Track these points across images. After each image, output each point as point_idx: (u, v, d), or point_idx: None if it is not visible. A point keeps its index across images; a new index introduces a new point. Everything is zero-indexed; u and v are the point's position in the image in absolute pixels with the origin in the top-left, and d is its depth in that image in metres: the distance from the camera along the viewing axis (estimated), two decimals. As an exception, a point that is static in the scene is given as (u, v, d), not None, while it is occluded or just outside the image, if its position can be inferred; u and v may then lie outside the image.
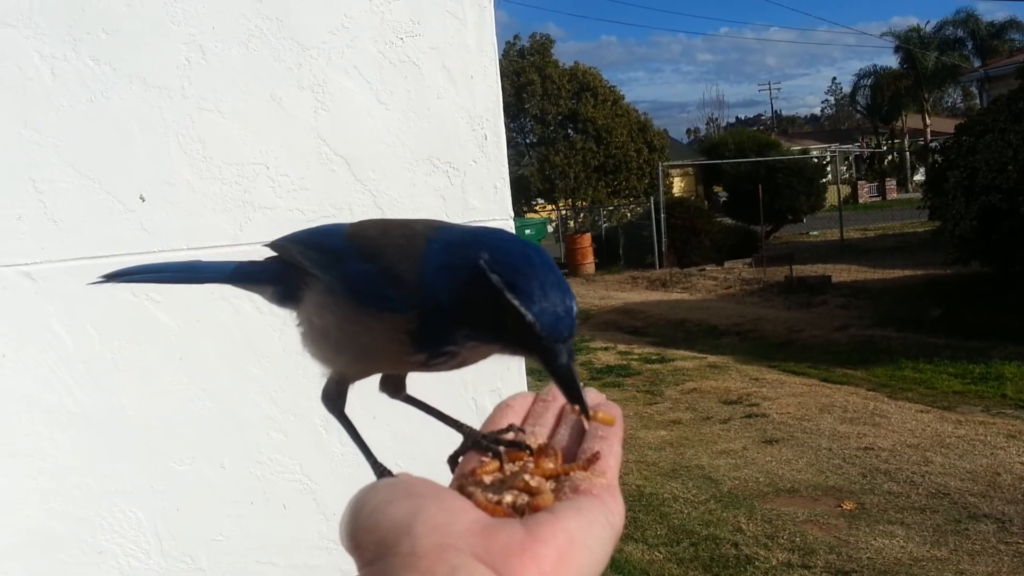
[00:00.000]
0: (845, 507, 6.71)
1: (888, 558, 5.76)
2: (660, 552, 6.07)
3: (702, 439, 8.79)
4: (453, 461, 0.92)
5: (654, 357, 13.09)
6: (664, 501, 7.02)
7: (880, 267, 20.53)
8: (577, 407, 0.83)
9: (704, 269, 23.74)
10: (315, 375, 1.01)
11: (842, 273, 20.11)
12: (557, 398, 0.95)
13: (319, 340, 0.97)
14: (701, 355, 13.02)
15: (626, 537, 6.28)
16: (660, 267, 24.63)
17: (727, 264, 24.36)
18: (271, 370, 2.06)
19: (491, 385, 2.25)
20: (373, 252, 0.91)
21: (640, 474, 7.76)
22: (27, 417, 1.91)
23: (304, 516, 2.11)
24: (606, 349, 14.02)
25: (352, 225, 0.98)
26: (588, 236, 27.75)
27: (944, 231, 16.33)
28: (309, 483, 2.10)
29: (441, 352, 0.88)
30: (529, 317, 0.80)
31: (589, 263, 26.62)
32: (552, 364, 0.82)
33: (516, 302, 0.80)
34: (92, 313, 1.94)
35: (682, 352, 13.38)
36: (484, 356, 0.90)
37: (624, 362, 12.91)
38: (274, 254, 1.07)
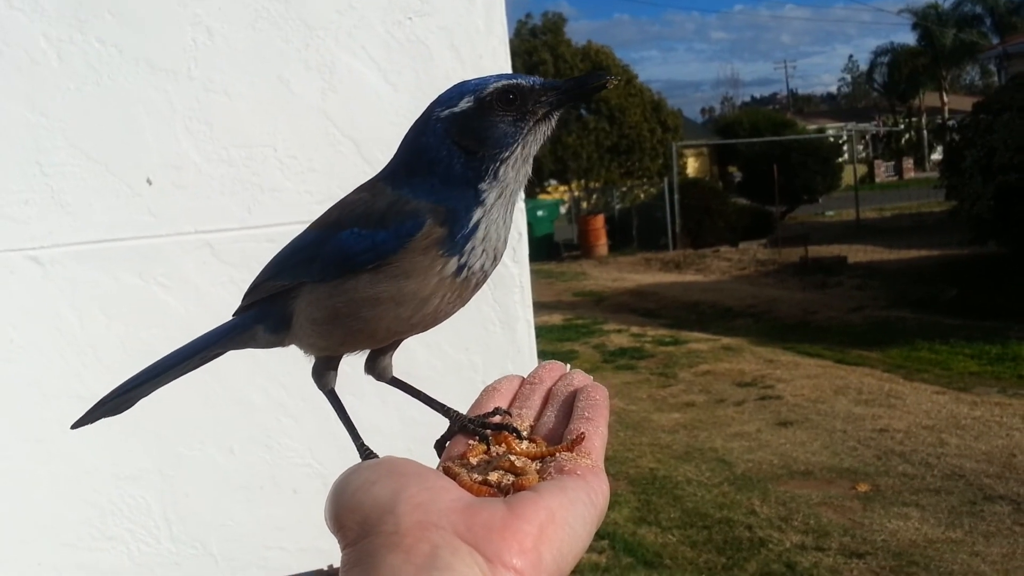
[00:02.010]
0: (860, 489, 6.69)
1: (903, 540, 5.74)
2: (673, 535, 6.06)
3: (716, 422, 8.77)
4: (440, 445, 0.93)
5: (668, 339, 13.04)
6: (678, 484, 7.01)
7: (896, 247, 20.37)
8: (606, 78, 0.89)
9: (718, 250, 23.60)
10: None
11: (858, 254, 19.97)
12: (544, 380, 0.96)
13: (328, 331, 0.95)
14: (715, 337, 12.96)
15: (639, 520, 6.27)
16: (674, 248, 24.49)
17: (741, 245, 24.19)
18: (280, 355, 2.05)
19: (502, 367, 2.23)
20: (344, 219, 0.92)
21: (653, 457, 7.75)
22: (36, 401, 1.91)
23: (314, 500, 2.10)
24: (619, 331, 13.97)
25: (311, 224, 1.00)
26: (601, 217, 27.60)
27: (961, 211, 16.17)
28: (319, 467, 2.09)
29: (467, 230, 0.88)
30: (512, 82, 0.88)
31: (602, 244, 26.51)
32: (562, 93, 0.89)
33: (496, 83, 0.87)
34: (100, 297, 1.93)
35: (696, 334, 13.33)
36: (505, 213, 0.91)
37: (637, 344, 12.87)
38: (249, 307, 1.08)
